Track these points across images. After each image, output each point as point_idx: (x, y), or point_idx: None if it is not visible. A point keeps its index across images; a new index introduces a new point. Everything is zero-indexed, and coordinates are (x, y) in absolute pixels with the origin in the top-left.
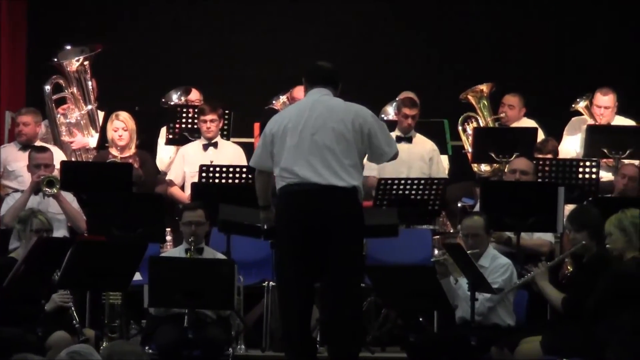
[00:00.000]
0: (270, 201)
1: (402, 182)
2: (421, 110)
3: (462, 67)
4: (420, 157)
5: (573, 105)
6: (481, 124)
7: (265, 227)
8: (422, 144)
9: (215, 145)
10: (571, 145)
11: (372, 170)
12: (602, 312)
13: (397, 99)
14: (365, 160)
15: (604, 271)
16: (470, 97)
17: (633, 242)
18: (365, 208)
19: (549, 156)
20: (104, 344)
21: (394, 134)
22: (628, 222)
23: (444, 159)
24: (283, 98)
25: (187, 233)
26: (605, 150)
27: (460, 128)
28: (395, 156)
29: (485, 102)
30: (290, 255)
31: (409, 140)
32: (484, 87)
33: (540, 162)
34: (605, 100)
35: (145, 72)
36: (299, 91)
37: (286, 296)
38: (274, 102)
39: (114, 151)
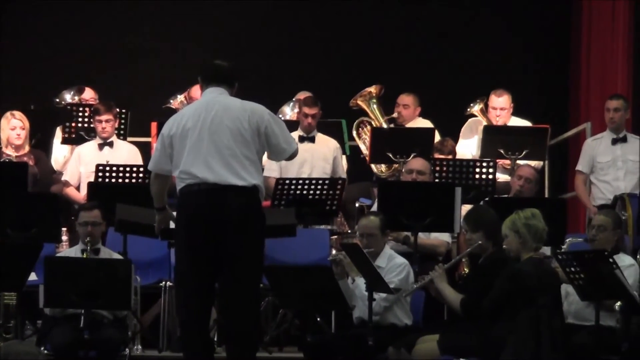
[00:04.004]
0: (166, 203)
1: (300, 182)
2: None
3: (359, 68)
4: (323, 157)
5: (468, 110)
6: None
7: (157, 231)
8: (325, 143)
9: (110, 144)
10: (467, 149)
11: (273, 171)
12: (498, 312)
13: (294, 99)
14: (266, 160)
15: (500, 271)
16: (360, 102)
17: (527, 243)
18: (263, 208)
19: (450, 157)
20: None
21: (296, 133)
22: (521, 223)
23: (342, 159)
24: (180, 97)
25: (83, 233)
26: (502, 151)
27: (355, 133)
28: (294, 153)
29: (376, 104)
30: (189, 255)
31: (312, 140)
32: (372, 89)
33: (437, 163)
34: (500, 101)
35: (37, 71)
36: (196, 90)
37: (185, 296)
38: (171, 101)
39: (8, 150)
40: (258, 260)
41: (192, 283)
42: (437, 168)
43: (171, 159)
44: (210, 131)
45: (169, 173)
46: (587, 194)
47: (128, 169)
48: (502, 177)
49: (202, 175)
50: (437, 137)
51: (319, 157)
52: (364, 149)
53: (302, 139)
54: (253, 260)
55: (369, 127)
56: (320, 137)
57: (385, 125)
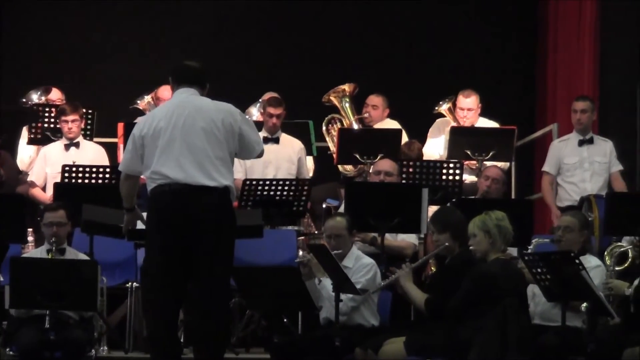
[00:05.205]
0: (135, 203)
1: (267, 182)
2: (286, 111)
3: (327, 69)
4: (287, 158)
5: (436, 108)
6: (345, 125)
7: (125, 232)
8: (290, 144)
9: (77, 145)
10: (434, 148)
11: (237, 172)
12: (465, 313)
13: (260, 100)
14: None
15: (467, 272)
16: (332, 98)
17: (497, 244)
18: None
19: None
20: None
21: (260, 134)
22: (492, 224)
23: (309, 160)
24: (148, 98)
25: (49, 234)
26: (469, 152)
27: (324, 129)
28: (261, 154)
29: (348, 102)
30: (159, 255)
31: (276, 141)
32: (346, 87)
33: (405, 164)
34: (467, 102)
35: (4, 71)
36: (164, 91)
37: (154, 297)
38: (138, 102)
39: None
40: (229, 260)
41: (162, 284)
42: (404, 169)
43: (142, 160)
44: (182, 132)
45: (140, 174)
46: (552, 196)
47: (94, 169)
48: (468, 178)
49: (173, 175)
50: (405, 139)
51: (283, 159)
52: (332, 146)
53: (266, 140)
54: (224, 260)
55: (338, 124)
56: (284, 137)
57: (355, 125)
